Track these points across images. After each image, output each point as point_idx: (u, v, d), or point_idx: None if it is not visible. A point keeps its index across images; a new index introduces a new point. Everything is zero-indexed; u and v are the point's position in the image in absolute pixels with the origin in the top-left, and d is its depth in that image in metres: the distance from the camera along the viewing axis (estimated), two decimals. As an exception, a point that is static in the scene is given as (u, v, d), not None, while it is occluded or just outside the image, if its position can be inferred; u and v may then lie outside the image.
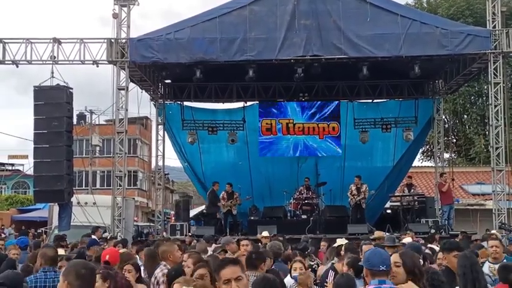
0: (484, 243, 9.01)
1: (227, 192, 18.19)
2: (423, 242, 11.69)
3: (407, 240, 10.19)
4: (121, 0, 16.06)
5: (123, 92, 16.15)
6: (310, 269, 7.38)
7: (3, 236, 21.46)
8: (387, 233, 13.31)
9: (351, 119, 20.28)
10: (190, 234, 16.29)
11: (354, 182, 18.05)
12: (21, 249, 9.48)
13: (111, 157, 18.38)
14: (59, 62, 15.77)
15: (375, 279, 3.97)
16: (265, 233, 12.51)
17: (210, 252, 8.73)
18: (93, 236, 12.62)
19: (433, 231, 15.18)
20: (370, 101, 20.86)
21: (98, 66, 16.16)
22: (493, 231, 13.19)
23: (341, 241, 8.26)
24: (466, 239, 13.25)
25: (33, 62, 15.94)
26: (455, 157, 33.96)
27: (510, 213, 15.68)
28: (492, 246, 7.36)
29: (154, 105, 20.24)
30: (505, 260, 6.91)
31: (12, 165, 47.07)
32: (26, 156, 36.10)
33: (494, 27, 15.84)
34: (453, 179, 18.15)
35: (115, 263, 6.24)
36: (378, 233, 11.97)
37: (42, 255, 6.17)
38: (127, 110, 16.24)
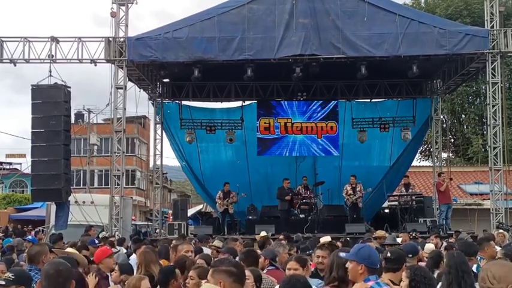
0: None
1: (224, 191, 18.17)
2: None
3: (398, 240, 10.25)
4: (119, -1, 16.07)
5: (121, 91, 16.14)
6: None
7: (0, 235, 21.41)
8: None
9: (349, 119, 20.30)
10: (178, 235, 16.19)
11: (350, 181, 18.03)
12: None
13: (109, 156, 18.34)
14: (57, 61, 15.75)
15: (373, 275, 4.16)
16: (263, 233, 12.50)
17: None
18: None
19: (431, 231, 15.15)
20: (368, 100, 20.88)
21: (96, 65, 16.16)
22: (500, 231, 13.14)
23: (325, 239, 8.28)
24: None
25: (31, 61, 15.91)
26: (453, 157, 34.02)
27: (508, 213, 15.72)
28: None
29: (153, 104, 20.24)
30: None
31: (10, 164, 47.02)
32: (23, 155, 36.16)
33: (492, 27, 15.86)
34: (451, 179, 18.18)
35: (96, 261, 6.46)
36: (379, 232, 12.00)
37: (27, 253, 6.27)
38: (125, 109, 16.24)
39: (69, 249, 7.06)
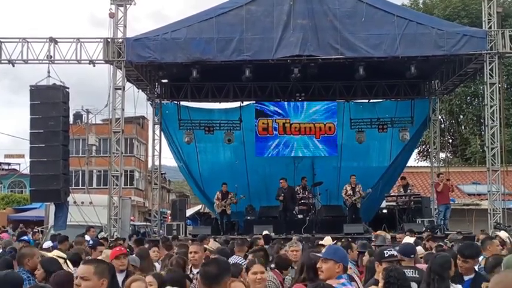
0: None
1: (222, 192, 18.18)
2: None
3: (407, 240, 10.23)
4: (118, 0, 16.08)
5: (119, 91, 16.16)
6: None
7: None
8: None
9: (347, 119, 20.31)
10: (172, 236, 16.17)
11: (350, 181, 18.02)
12: None
13: (108, 156, 18.37)
14: (56, 62, 15.78)
15: (345, 273, 4.45)
16: (265, 232, 12.57)
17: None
18: (86, 236, 12.59)
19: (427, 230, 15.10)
20: (367, 101, 20.90)
21: (94, 66, 16.19)
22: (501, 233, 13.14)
23: (327, 240, 8.34)
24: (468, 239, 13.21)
25: (29, 62, 15.94)
26: (451, 157, 34.09)
27: (505, 213, 15.76)
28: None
29: (151, 104, 20.24)
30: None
31: (9, 164, 47.04)
32: (22, 156, 36.07)
33: (490, 27, 15.91)
34: (448, 179, 18.19)
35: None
36: (379, 233, 12.06)
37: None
38: (123, 109, 16.28)
39: (55, 252, 7.02)
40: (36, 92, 15.08)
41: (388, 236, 11.84)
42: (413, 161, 34.04)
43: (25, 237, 12.93)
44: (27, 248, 6.80)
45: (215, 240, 10.46)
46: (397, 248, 5.81)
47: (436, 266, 4.89)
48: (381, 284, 4.64)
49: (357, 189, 17.91)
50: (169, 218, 21.41)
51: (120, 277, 6.37)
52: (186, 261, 6.71)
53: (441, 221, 17.33)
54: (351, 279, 5.07)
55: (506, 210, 16.04)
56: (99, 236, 14.26)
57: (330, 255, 4.52)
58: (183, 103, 20.57)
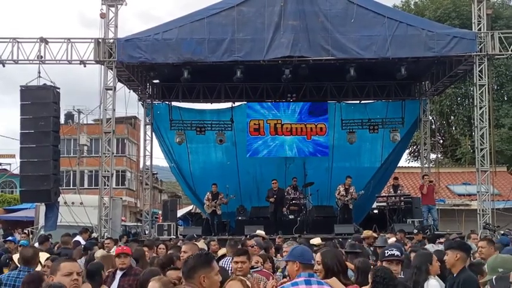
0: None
1: (212, 192, 18.18)
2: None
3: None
4: (109, 0, 16.06)
5: (110, 91, 16.13)
6: None
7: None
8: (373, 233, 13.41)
9: (338, 120, 20.37)
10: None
11: (345, 182, 18.01)
12: None
13: (99, 157, 18.33)
14: (46, 62, 15.73)
15: (305, 272, 4.41)
16: (259, 232, 12.63)
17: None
18: (78, 237, 12.56)
19: (415, 231, 15.13)
20: (358, 102, 20.97)
21: (85, 66, 16.15)
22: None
23: (316, 240, 8.40)
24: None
25: (19, 62, 15.88)
26: (442, 158, 34.27)
27: (494, 214, 15.87)
28: (479, 247, 7.53)
29: (142, 105, 20.21)
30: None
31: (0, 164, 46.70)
32: (13, 155, 35.89)
33: (479, 29, 16.01)
34: (431, 181, 18.27)
35: None
36: (366, 232, 12.07)
37: (19, 255, 6.36)
38: (114, 110, 16.24)
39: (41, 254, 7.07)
40: (27, 92, 15.02)
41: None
42: (405, 161, 34.29)
43: (10, 238, 12.88)
44: (32, 248, 6.93)
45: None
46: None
47: (416, 263, 5.07)
48: (369, 284, 4.74)
49: (350, 191, 17.95)
50: (161, 218, 21.39)
51: (118, 275, 6.58)
52: (173, 261, 6.75)
53: (427, 222, 17.40)
54: None
55: (496, 211, 16.14)
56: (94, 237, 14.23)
57: (288, 256, 4.71)
58: (174, 103, 20.57)
